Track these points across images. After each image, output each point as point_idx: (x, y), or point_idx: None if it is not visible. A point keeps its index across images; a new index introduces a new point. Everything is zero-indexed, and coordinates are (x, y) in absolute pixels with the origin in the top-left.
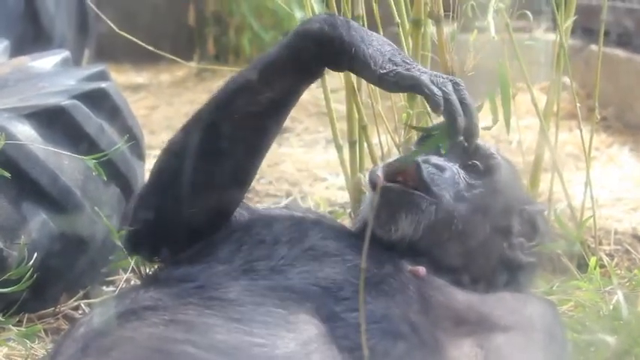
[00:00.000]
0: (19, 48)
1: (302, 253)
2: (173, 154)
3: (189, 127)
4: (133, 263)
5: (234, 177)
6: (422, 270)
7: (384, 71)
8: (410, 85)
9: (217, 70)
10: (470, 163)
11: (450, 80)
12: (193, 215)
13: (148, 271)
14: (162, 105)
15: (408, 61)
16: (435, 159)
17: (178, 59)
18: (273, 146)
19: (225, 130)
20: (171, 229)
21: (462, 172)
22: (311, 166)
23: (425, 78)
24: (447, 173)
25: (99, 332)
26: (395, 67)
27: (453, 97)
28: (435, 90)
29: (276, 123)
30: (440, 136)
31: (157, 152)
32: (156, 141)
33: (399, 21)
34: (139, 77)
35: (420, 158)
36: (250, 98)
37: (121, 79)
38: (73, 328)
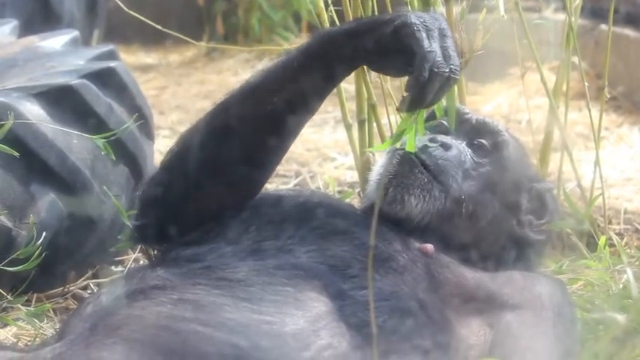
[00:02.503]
0: (29, 28)
1: (309, 232)
2: (198, 138)
3: (212, 115)
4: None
5: (256, 166)
6: (430, 248)
7: None
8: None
9: (226, 49)
10: (477, 141)
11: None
12: (209, 203)
13: (156, 251)
14: (172, 85)
15: None
16: (441, 137)
17: (187, 38)
18: None
19: (251, 119)
20: (184, 215)
21: (468, 151)
22: (320, 146)
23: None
24: (453, 151)
25: (107, 311)
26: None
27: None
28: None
29: (308, 113)
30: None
31: (166, 132)
32: (165, 121)
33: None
34: (148, 58)
35: (426, 137)
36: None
37: (130, 59)
38: (81, 307)
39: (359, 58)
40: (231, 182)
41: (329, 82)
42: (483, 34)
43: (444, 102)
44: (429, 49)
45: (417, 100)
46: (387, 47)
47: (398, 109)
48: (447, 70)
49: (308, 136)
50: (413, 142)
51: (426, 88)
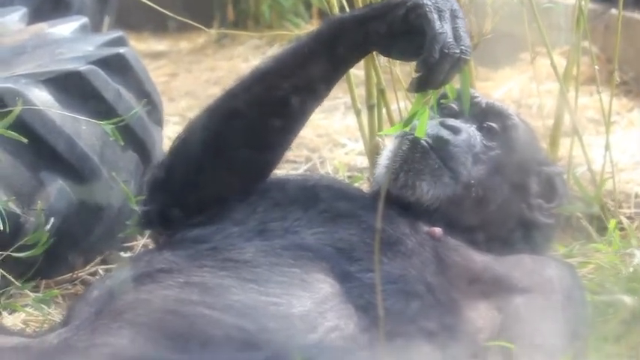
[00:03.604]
0: (38, 15)
1: (317, 215)
2: (209, 122)
3: (221, 101)
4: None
5: (265, 151)
6: (438, 231)
7: None
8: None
9: (236, 36)
10: (486, 124)
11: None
12: (217, 188)
13: (164, 236)
14: (182, 72)
15: None
16: (451, 121)
17: (198, 25)
18: None
19: (260, 105)
20: (192, 200)
21: (478, 134)
22: (330, 132)
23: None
24: (462, 135)
25: (113, 295)
26: None
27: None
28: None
29: (318, 99)
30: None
31: (176, 119)
32: (175, 108)
33: None
34: (159, 45)
35: (436, 121)
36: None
37: (141, 46)
38: (87, 292)
39: (370, 44)
40: (239, 167)
41: (339, 68)
42: (493, 17)
43: (456, 84)
44: (440, 30)
45: (426, 80)
46: (399, 31)
47: (408, 90)
48: (458, 51)
49: (318, 122)
50: (424, 126)
51: (436, 68)
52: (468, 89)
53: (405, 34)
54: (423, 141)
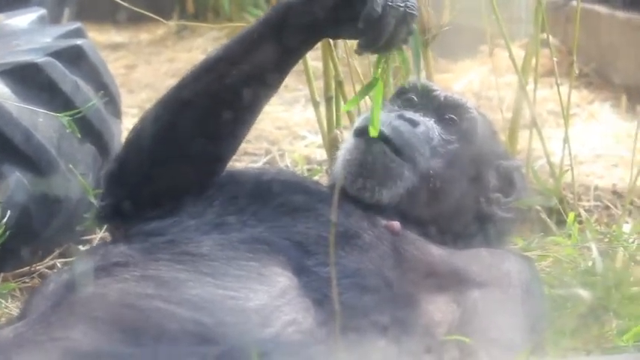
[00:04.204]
0: None
1: (274, 209)
2: (162, 114)
3: (174, 91)
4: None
5: (219, 142)
6: (397, 225)
7: None
8: None
9: (196, 28)
10: (445, 117)
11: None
12: (173, 180)
13: (122, 230)
14: (141, 64)
15: None
16: (409, 114)
17: (157, 17)
18: None
19: (212, 94)
20: (148, 193)
21: (436, 127)
22: (290, 124)
23: None
24: (420, 128)
25: (69, 289)
26: None
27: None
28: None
29: (271, 88)
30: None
31: (135, 111)
32: (134, 100)
33: None
34: (119, 36)
35: (394, 113)
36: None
37: (101, 37)
38: (43, 286)
39: (318, 25)
40: (194, 158)
41: (290, 54)
42: (450, 9)
43: (412, 76)
44: None
45: (373, 36)
46: (346, 3)
47: (355, 52)
48: (403, 5)
49: (278, 115)
50: (377, 124)
51: (379, 24)
52: (419, 55)
53: (352, 10)
54: (379, 140)
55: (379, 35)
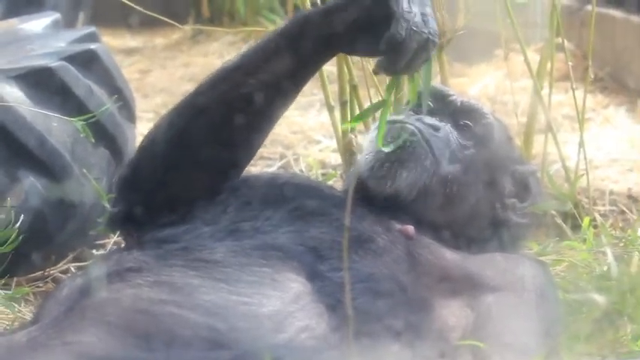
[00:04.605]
0: (12, 11)
1: (288, 214)
2: (177, 120)
3: (190, 98)
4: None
5: (235, 149)
6: (411, 229)
7: None
8: None
9: (212, 32)
10: (462, 123)
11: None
12: (187, 186)
13: (135, 235)
14: (156, 68)
15: None
16: (428, 119)
17: (172, 22)
18: None
19: (229, 102)
20: (162, 199)
21: (454, 133)
22: (305, 129)
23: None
24: (440, 133)
25: (82, 294)
26: None
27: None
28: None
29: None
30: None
31: (150, 115)
32: (149, 104)
33: None
34: (133, 41)
35: (413, 117)
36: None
37: (115, 42)
38: (57, 290)
39: (334, 38)
40: (208, 167)
41: (306, 65)
42: (465, 13)
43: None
44: (407, 10)
45: (392, 60)
46: (364, 20)
47: (373, 72)
48: (426, 31)
49: (293, 119)
50: (383, 127)
51: (402, 47)
52: (429, 82)
53: (370, 28)
54: (411, 127)
55: (399, 58)
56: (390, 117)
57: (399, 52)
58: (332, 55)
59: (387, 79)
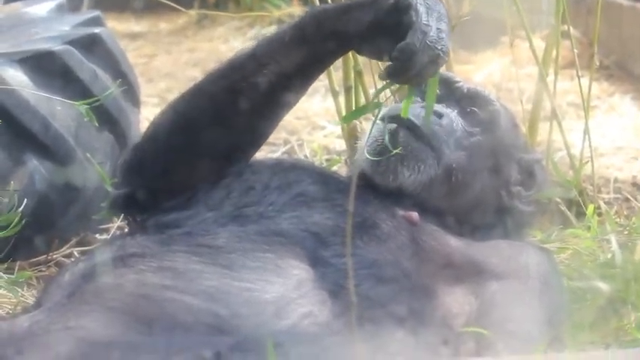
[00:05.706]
0: None
1: (291, 199)
2: (183, 105)
3: (200, 85)
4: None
5: (242, 138)
6: (415, 216)
7: None
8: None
9: (217, 17)
10: (468, 110)
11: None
12: (191, 173)
13: (138, 220)
14: (161, 53)
15: None
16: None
17: (178, 6)
18: None
19: (239, 91)
20: (166, 184)
21: (460, 119)
22: (310, 114)
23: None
24: (445, 120)
25: (85, 279)
26: None
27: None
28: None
29: (298, 90)
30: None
31: (155, 100)
32: (154, 89)
33: None
34: (138, 25)
35: (418, 104)
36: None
37: (120, 27)
38: (60, 275)
39: (349, 35)
40: (213, 150)
41: (319, 59)
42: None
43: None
44: (425, 22)
45: (402, 68)
46: (382, 23)
47: (380, 77)
48: (439, 47)
49: (298, 105)
50: (407, 108)
51: (414, 58)
52: (434, 96)
53: (384, 32)
54: (407, 122)
55: (408, 69)
56: (390, 111)
57: (410, 62)
58: (343, 52)
59: (382, 83)
